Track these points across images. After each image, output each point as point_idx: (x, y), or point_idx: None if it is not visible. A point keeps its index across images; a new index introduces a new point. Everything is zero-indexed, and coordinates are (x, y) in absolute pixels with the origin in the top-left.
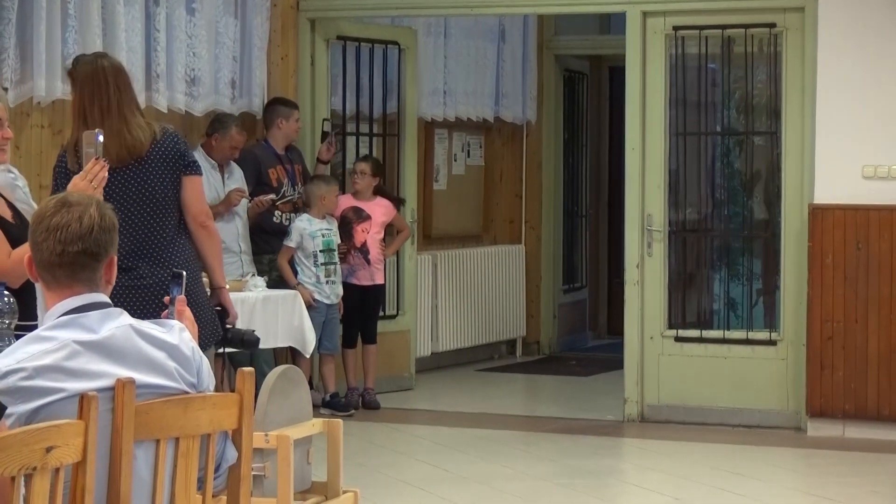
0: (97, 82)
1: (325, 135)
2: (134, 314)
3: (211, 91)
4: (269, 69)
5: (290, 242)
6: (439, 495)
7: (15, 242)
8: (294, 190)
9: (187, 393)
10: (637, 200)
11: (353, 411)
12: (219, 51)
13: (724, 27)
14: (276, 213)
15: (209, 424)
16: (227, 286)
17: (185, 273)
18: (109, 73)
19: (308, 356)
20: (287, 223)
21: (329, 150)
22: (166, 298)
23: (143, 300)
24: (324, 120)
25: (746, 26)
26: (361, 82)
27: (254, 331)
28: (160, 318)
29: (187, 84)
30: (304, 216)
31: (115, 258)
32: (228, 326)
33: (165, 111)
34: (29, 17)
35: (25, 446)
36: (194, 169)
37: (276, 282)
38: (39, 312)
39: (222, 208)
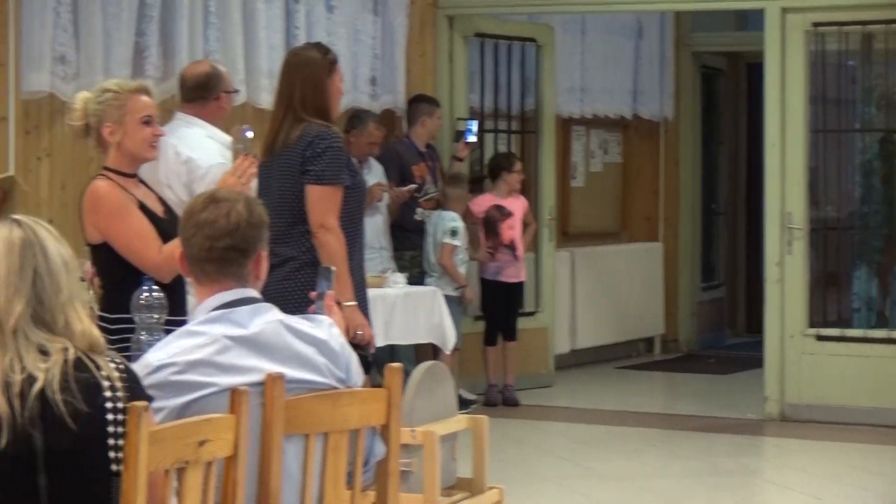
0: (282, 74)
1: (458, 134)
2: None
3: (350, 88)
4: (408, 66)
5: (458, 241)
6: (579, 492)
7: (166, 238)
8: (434, 187)
9: (336, 388)
10: (777, 198)
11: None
12: (358, 48)
13: (864, 23)
14: (418, 209)
15: (358, 419)
16: (351, 303)
17: (333, 268)
18: (292, 66)
19: (449, 352)
20: (427, 219)
21: (466, 147)
22: (313, 294)
23: None
24: (458, 119)
25: (887, 22)
26: (499, 79)
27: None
28: (305, 313)
29: None
30: (453, 214)
31: (265, 254)
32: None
33: None
34: (171, 15)
35: (179, 440)
36: (314, 177)
37: (417, 278)
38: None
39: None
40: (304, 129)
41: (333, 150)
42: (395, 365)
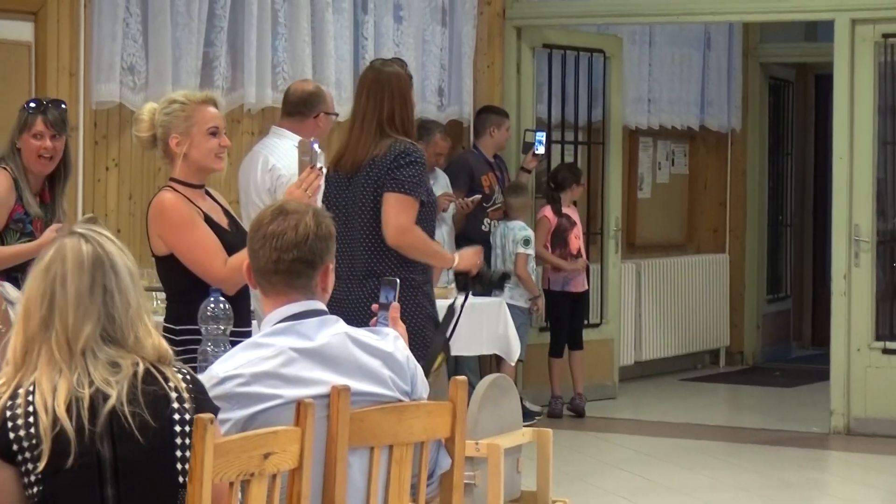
0: (358, 89)
1: (527, 145)
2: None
3: (418, 98)
4: (475, 77)
5: (531, 250)
6: None
7: (231, 250)
8: (502, 196)
9: (401, 401)
10: (844, 210)
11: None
12: (426, 58)
13: None
14: (485, 220)
15: (423, 432)
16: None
17: (398, 280)
18: (380, 81)
19: (513, 364)
20: (494, 230)
21: (535, 159)
22: (375, 306)
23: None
24: (526, 130)
25: None
26: (567, 90)
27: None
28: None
29: None
30: (521, 223)
31: (332, 266)
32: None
33: None
34: (240, 25)
35: (244, 452)
36: (394, 185)
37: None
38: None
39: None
40: (391, 145)
41: (418, 166)
42: (460, 378)
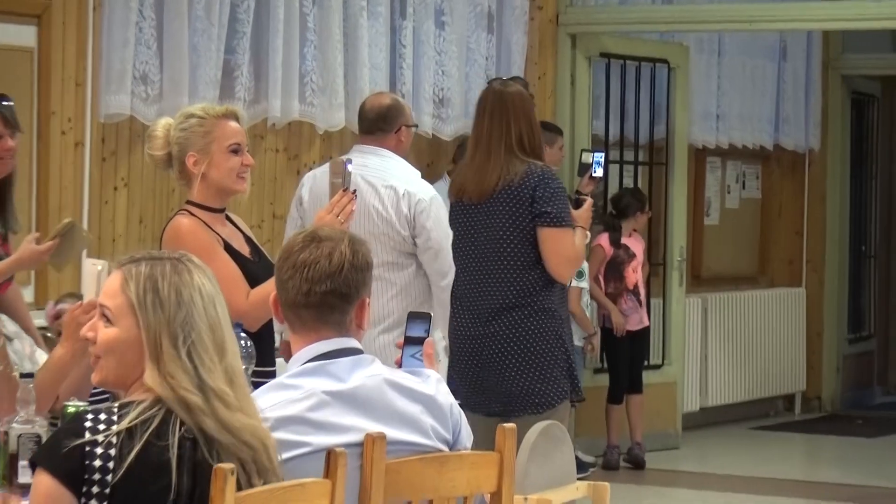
0: (479, 111)
1: (583, 167)
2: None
3: (461, 113)
4: None
5: (584, 283)
6: None
7: (254, 281)
8: None
9: (442, 451)
10: None
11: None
12: (470, 69)
13: None
14: None
15: (466, 486)
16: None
17: (430, 313)
18: (506, 102)
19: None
20: None
21: (592, 183)
22: (399, 342)
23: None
24: (582, 150)
25: None
26: (626, 104)
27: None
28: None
29: (435, 105)
30: None
31: (369, 301)
32: None
33: None
34: (265, 30)
35: None
36: (546, 219)
37: None
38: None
39: None
40: (526, 171)
41: (563, 192)
42: (509, 426)
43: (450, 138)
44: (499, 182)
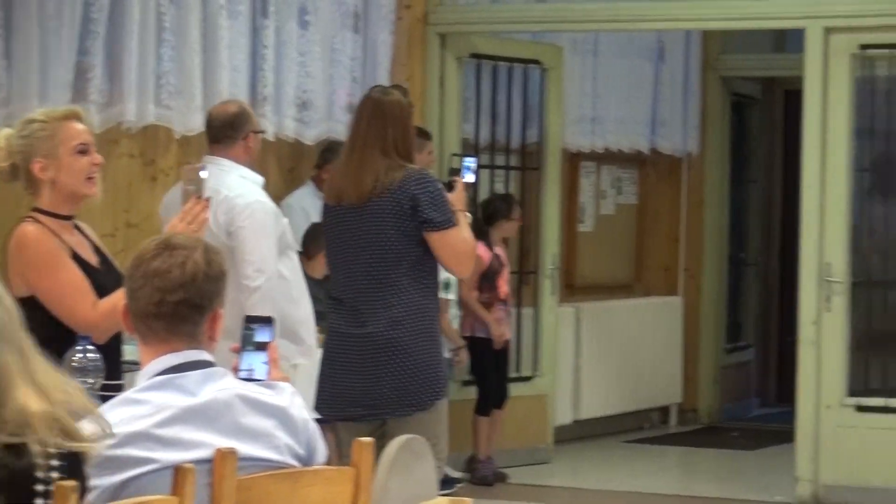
0: (357, 117)
1: (453, 171)
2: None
3: (325, 116)
4: None
5: (451, 294)
6: None
7: (102, 292)
8: None
9: (294, 467)
10: (814, 247)
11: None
12: (335, 70)
13: None
14: None
15: (321, 503)
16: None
17: (274, 317)
18: (383, 109)
19: None
20: None
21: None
22: (234, 346)
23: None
24: (452, 155)
25: None
26: (498, 107)
27: None
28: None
29: (298, 108)
30: None
31: (222, 312)
32: None
33: (272, 139)
34: (119, 31)
35: None
36: (433, 225)
37: None
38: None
39: None
40: (405, 173)
41: (442, 193)
42: (366, 440)
43: (313, 142)
44: (376, 185)
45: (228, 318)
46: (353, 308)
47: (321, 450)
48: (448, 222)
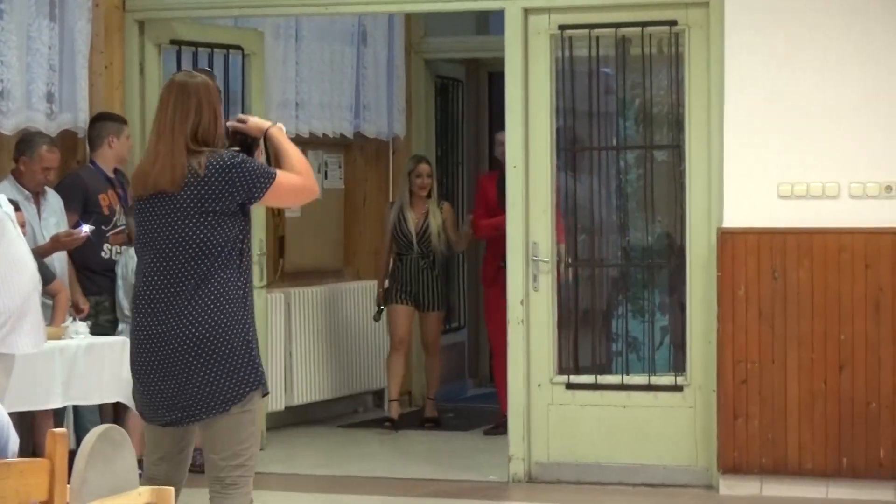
0: (162, 101)
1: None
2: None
3: (23, 106)
4: (92, 79)
5: None
6: None
7: None
8: (125, 218)
9: None
10: (520, 226)
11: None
12: (31, 59)
13: (617, 26)
14: (106, 246)
15: (14, 496)
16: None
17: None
18: (190, 92)
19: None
20: (117, 257)
21: None
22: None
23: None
24: None
25: (643, 24)
26: None
27: None
28: None
29: None
30: None
31: None
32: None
33: None
34: None
35: None
36: (262, 189)
37: (104, 327)
38: None
39: (49, 248)
40: (209, 161)
41: (251, 162)
42: (59, 431)
43: (12, 132)
44: (186, 172)
45: None
46: (158, 304)
47: (13, 440)
48: (272, 176)
